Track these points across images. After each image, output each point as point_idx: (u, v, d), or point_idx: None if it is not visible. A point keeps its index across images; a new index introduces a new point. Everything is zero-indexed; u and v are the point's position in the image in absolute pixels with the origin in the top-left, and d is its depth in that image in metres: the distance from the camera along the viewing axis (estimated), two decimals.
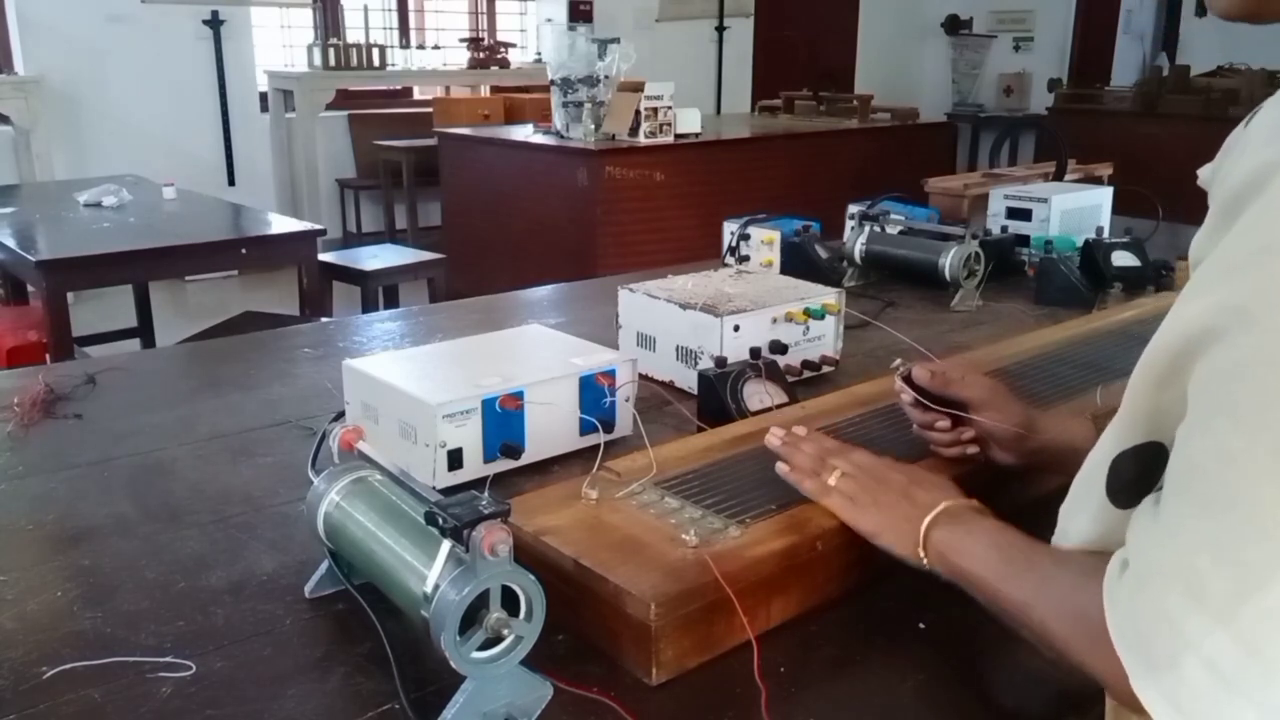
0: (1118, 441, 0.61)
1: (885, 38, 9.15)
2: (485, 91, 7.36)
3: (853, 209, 2.00)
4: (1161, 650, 0.54)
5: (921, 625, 0.84)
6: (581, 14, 7.30)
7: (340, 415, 1.15)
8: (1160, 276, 1.84)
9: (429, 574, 0.69)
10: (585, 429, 1.12)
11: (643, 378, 1.31)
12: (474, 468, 1.05)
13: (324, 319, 3.12)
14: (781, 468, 0.91)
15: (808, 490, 0.89)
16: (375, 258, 4.03)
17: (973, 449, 0.99)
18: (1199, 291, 0.55)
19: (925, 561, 0.80)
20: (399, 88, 7.27)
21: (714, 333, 1.29)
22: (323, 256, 3.65)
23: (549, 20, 7.09)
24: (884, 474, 0.88)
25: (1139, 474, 0.60)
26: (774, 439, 0.95)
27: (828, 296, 1.40)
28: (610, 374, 1.14)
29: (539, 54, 7.12)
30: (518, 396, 1.06)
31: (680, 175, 4.69)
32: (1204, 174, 0.65)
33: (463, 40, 7.27)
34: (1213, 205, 0.57)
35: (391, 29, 7.10)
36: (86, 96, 5.77)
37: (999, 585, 0.72)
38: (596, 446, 0.98)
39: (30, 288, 3.72)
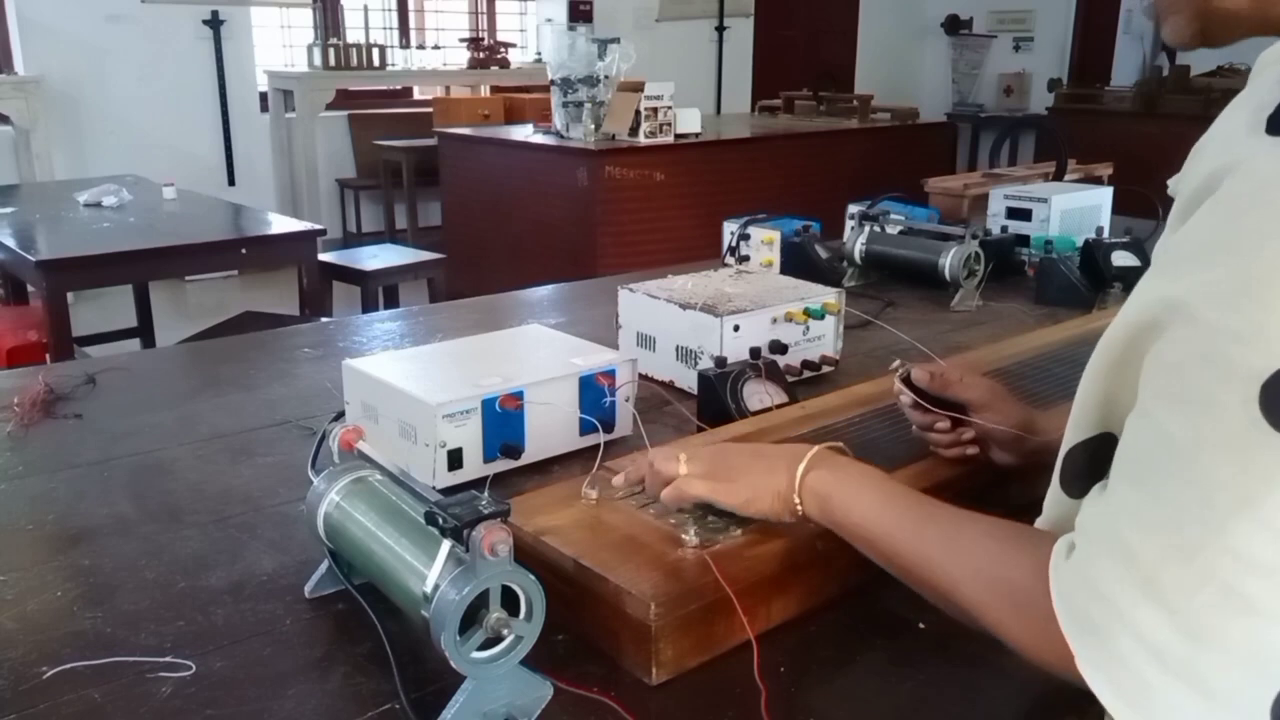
0: (1074, 434, 0.63)
1: (885, 37, 9.15)
2: (485, 91, 7.36)
3: (853, 209, 2.00)
4: (1099, 627, 0.55)
5: (921, 625, 0.84)
6: (581, 14, 7.30)
7: (340, 415, 1.15)
8: None
9: (429, 574, 0.69)
10: (585, 429, 1.12)
11: (643, 378, 1.31)
12: (474, 468, 1.05)
13: (324, 319, 3.12)
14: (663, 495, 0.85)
15: (667, 498, 0.84)
16: (375, 258, 4.03)
17: (972, 450, 0.99)
18: (1146, 288, 0.56)
19: (800, 510, 0.79)
20: (399, 88, 7.26)
21: (714, 333, 1.29)
22: (323, 256, 3.65)
23: (549, 20, 7.09)
24: (727, 448, 0.87)
25: (1090, 463, 0.61)
26: (619, 483, 0.90)
27: (828, 296, 1.40)
28: (610, 374, 1.14)
29: (539, 54, 7.12)
30: (518, 396, 1.06)
31: (680, 175, 4.69)
32: (1173, 183, 0.67)
33: (463, 40, 7.27)
34: (1173, 211, 0.59)
35: (391, 29, 7.10)
36: (86, 96, 5.77)
37: (894, 540, 0.73)
38: (596, 446, 0.98)
39: (30, 288, 3.72)
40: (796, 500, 0.79)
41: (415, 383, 1.07)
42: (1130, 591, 0.53)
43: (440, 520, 0.67)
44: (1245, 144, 0.53)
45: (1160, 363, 0.54)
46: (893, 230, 1.96)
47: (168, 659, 0.79)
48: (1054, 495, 0.65)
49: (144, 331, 4.09)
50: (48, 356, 2.95)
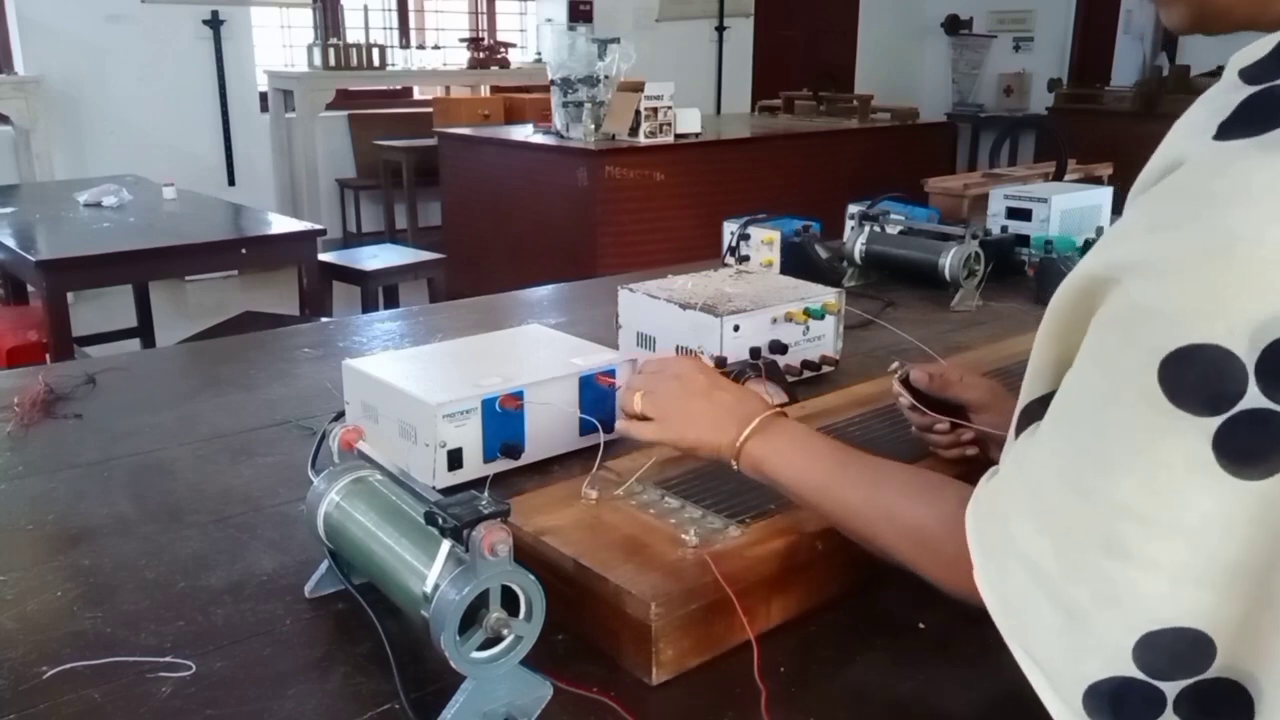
0: (1029, 391, 0.66)
1: (885, 37, 9.15)
2: (485, 91, 7.36)
3: (853, 209, 2.00)
4: (996, 547, 0.62)
5: (921, 625, 0.84)
6: (581, 14, 7.30)
7: (340, 415, 1.15)
8: None
9: (429, 574, 0.69)
10: (585, 429, 1.12)
11: None
12: (474, 468, 1.05)
13: (324, 319, 3.12)
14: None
15: (619, 430, 0.94)
16: (375, 258, 4.03)
17: (972, 450, 0.99)
18: (1090, 259, 0.60)
19: (736, 467, 0.85)
20: (399, 88, 7.26)
21: (714, 333, 1.29)
22: (323, 256, 3.64)
23: (549, 20, 7.09)
24: (687, 387, 0.90)
25: (1042, 417, 0.65)
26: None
27: (828, 296, 1.40)
28: (610, 374, 1.14)
29: (539, 54, 7.12)
30: (518, 396, 1.06)
31: (680, 175, 4.68)
32: None
33: (463, 40, 7.27)
34: (1129, 196, 0.63)
35: (391, 29, 7.10)
36: (86, 96, 5.77)
37: (821, 496, 0.80)
38: (596, 446, 0.98)
39: (30, 288, 3.71)
40: (734, 463, 0.85)
41: (415, 383, 1.07)
42: (1027, 521, 0.60)
43: (440, 520, 0.67)
44: (1196, 142, 0.55)
45: (1093, 324, 0.58)
46: (893, 230, 1.96)
47: (168, 659, 0.79)
48: (1008, 446, 0.67)
49: (144, 331, 4.09)
50: (48, 356, 2.95)
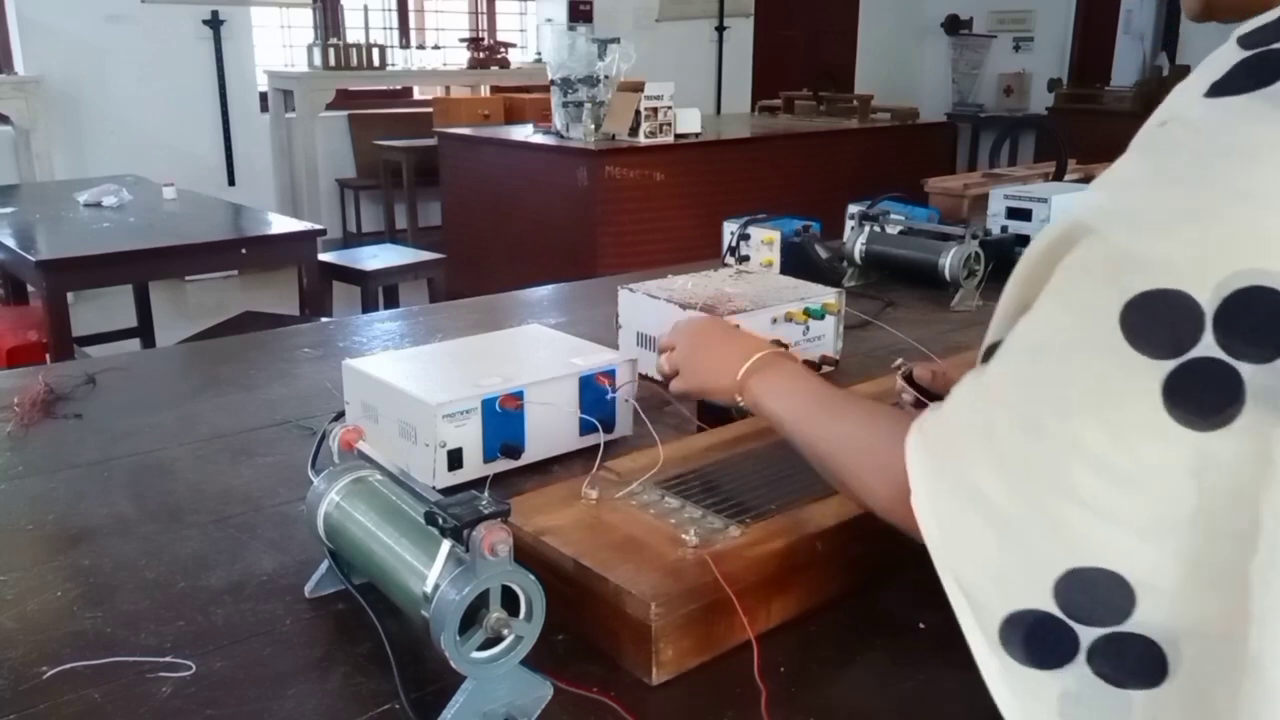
0: (993, 334, 0.66)
1: (885, 37, 9.15)
2: (485, 91, 7.35)
3: (853, 209, 2.00)
4: (941, 469, 0.62)
5: (921, 625, 0.84)
6: (581, 14, 7.30)
7: (340, 415, 1.15)
8: None
9: (429, 574, 0.69)
10: (585, 429, 1.12)
11: (642, 378, 1.31)
12: (474, 468, 1.05)
13: (324, 319, 3.12)
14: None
15: (672, 388, 1.02)
16: (375, 258, 4.03)
17: None
18: (1069, 209, 0.61)
19: (741, 403, 0.90)
20: (399, 88, 7.26)
21: None
22: (323, 256, 3.64)
23: (549, 20, 7.09)
24: (700, 336, 0.99)
25: None
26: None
27: (828, 296, 1.40)
28: (610, 374, 1.14)
29: (539, 54, 7.12)
30: (518, 396, 1.07)
31: (680, 175, 4.68)
32: None
33: (463, 40, 7.27)
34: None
35: (391, 29, 7.10)
36: (86, 96, 5.77)
37: (797, 425, 0.81)
38: (596, 446, 0.98)
39: (30, 288, 3.71)
40: (739, 398, 0.90)
41: (415, 383, 1.07)
42: (974, 451, 0.60)
43: (440, 520, 0.67)
44: (1185, 101, 0.56)
45: (1060, 267, 0.58)
46: (893, 230, 1.96)
47: (168, 659, 0.79)
48: (961, 381, 0.68)
49: (144, 331, 4.09)
50: (48, 356, 2.95)
